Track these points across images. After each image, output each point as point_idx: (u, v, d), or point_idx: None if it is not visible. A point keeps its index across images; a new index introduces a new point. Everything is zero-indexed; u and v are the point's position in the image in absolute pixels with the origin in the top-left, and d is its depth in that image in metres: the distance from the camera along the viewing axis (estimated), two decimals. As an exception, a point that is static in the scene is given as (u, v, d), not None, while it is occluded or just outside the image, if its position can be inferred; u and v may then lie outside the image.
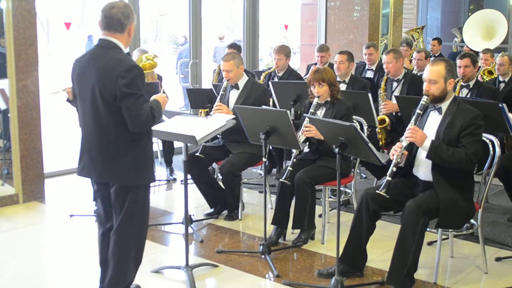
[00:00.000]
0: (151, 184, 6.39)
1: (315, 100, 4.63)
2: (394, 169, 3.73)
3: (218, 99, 5.17)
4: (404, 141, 3.75)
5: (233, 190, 5.12)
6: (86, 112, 3.36)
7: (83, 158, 3.45)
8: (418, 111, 3.80)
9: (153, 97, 3.50)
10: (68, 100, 4.85)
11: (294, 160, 4.53)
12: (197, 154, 5.06)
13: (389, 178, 3.71)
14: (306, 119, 4.54)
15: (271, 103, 5.82)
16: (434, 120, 3.86)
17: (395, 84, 5.89)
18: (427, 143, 3.70)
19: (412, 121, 3.79)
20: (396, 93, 5.79)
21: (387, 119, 5.66)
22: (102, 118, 3.29)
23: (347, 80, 6.12)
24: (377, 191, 3.72)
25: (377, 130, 5.71)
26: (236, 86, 5.22)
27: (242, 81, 5.24)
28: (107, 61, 3.25)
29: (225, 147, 5.22)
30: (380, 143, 5.73)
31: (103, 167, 3.36)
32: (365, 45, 7.37)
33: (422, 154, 3.84)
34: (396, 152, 3.75)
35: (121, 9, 3.30)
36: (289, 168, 4.52)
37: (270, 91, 5.87)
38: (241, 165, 5.09)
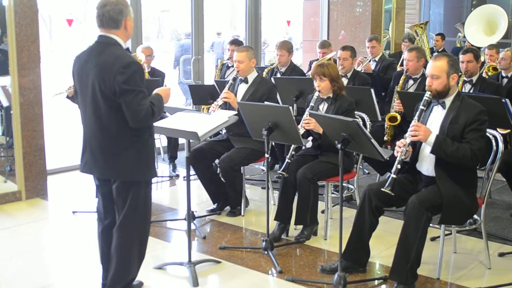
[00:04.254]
0: (154, 180, 6.44)
1: (315, 94, 4.64)
2: (399, 166, 3.71)
3: (226, 87, 5.17)
4: (408, 137, 3.74)
5: (233, 185, 5.12)
6: (87, 109, 3.36)
7: (85, 155, 3.45)
8: (421, 107, 3.78)
9: (156, 90, 3.50)
10: (68, 97, 4.85)
11: (293, 152, 4.54)
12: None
13: (394, 176, 3.69)
14: (307, 112, 4.54)
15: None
16: (437, 115, 3.84)
17: (411, 81, 5.85)
18: (431, 138, 3.68)
19: (416, 117, 3.77)
20: (411, 91, 5.77)
21: (398, 117, 5.63)
22: (103, 114, 3.29)
23: (349, 75, 6.12)
24: (382, 189, 3.70)
25: (385, 126, 5.69)
26: (245, 80, 5.24)
27: (252, 75, 5.25)
28: (106, 58, 3.25)
29: (229, 141, 5.22)
30: (386, 138, 5.71)
31: (105, 163, 3.36)
32: (368, 38, 7.44)
33: (426, 149, 3.82)
34: (400, 149, 3.74)
35: (112, 6, 3.30)
36: (287, 160, 4.52)
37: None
38: (240, 159, 5.08)
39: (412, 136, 3.70)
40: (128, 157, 3.34)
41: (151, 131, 3.46)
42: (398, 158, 3.72)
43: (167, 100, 3.55)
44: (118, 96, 3.21)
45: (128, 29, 3.37)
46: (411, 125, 3.74)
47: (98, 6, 3.32)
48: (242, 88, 5.26)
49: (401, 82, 5.83)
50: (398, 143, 3.78)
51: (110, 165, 3.36)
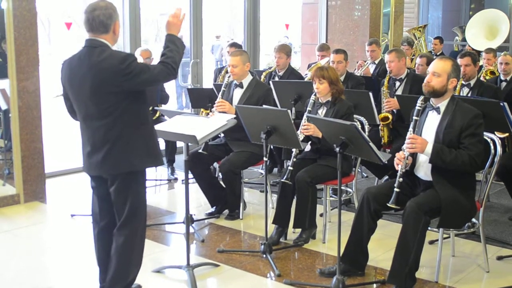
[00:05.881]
0: (152, 184, 6.45)
1: (312, 98, 4.65)
2: (400, 180, 3.72)
3: (220, 96, 5.17)
4: (406, 151, 3.75)
5: (233, 189, 5.12)
6: (84, 110, 3.36)
7: (89, 156, 3.43)
8: (415, 117, 3.79)
9: (166, 28, 3.53)
10: None
11: (294, 159, 4.54)
12: (200, 151, 5.06)
13: (397, 190, 3.71)
14: (305, 117, 4.54)
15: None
16: (432, 120, 3.85)
17: (397, 83, 5.87)
18: (428, 149, 3.69)
19: (410, 128, 3.78)
20: (399, 92, 5.78)
21: (390, 116, 5.65)
22: (102, 113, 3.29)
23: (342, 78, 6.13)
24: (387, 204, 3.73)
25: (380, 128, 5.71)
26: (240, 85, 5.23)
27: (247, 80, 5.25)
28: (100, 58, 3.25)
29: (227, 145, 5.22)
30: (383, 141, 5.72)
31: (110, 160, 3.35)
32: (368, 41, 7.47)
33: (422, 155, 3.83)
34: (400, 162, 3.74)
35: (102, 11, 3.30)
36: (289, 168, 4.52)
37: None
38: (241, 163, 5.08)
39: (409, 148, 3.72)
40: (135, 148, 3.36)
41: (151, 124, 3.50)
42: (399, 172, 3.73)
43: (179, 26, 3.57)
44: (133, 86, 3.26)
45: (116, 33, 3.39)
46: (407, 137, 3.75)
47: (87, 10, 3.31)
48: (238, 93, 5.25)
49: (386, 82, 5.84)
50: (397, 155, 3.78)
51: (116, 160, 3.36)
